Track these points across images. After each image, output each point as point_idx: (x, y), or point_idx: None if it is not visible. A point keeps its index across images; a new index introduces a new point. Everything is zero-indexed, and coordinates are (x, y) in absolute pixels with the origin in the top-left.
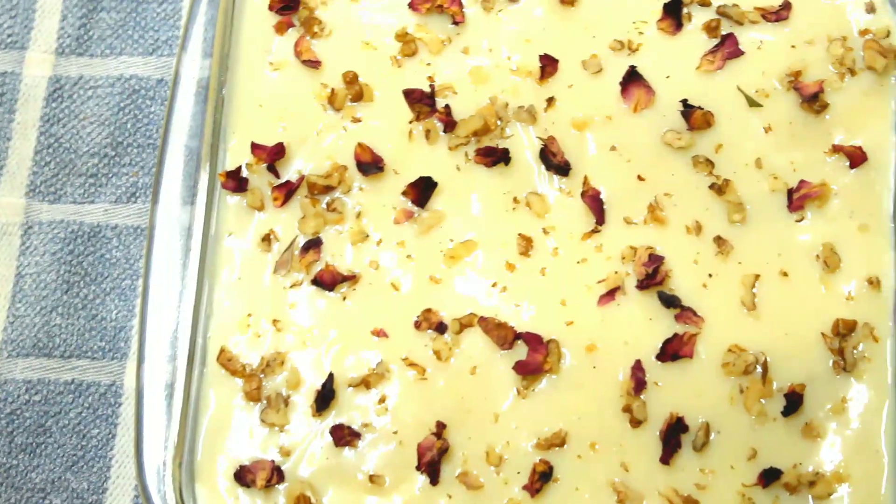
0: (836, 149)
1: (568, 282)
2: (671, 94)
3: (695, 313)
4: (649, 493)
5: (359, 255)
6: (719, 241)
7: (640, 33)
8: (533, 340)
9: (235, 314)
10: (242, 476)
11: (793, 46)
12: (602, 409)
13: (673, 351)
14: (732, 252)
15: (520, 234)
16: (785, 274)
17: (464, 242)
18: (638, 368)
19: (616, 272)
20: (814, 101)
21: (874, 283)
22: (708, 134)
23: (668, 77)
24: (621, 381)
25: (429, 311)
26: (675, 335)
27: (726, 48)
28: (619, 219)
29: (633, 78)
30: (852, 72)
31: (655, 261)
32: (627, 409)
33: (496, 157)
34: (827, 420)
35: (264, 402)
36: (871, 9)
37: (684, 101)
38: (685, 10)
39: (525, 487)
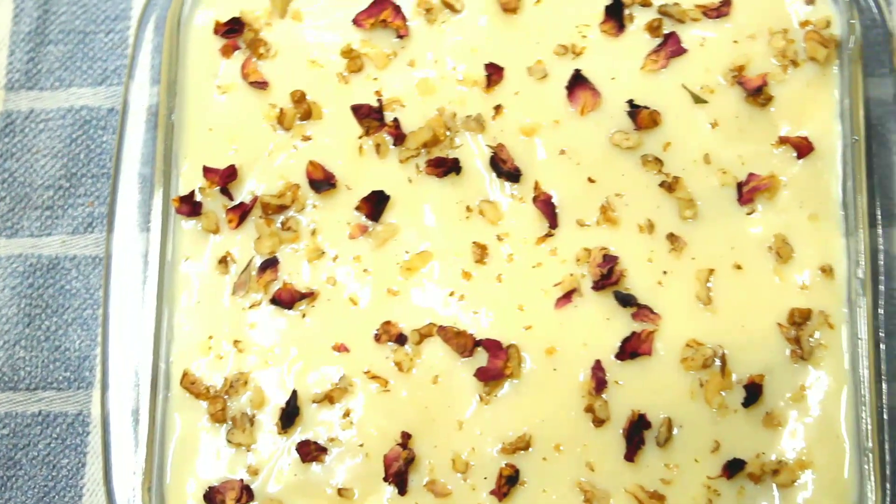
0: (783, 140)
1: (524, 287)
2: (617, 95)
3: (651, 311)
4: (615, 490)
5: (316, 272)
6: (672, 238)
7: (584, 37)
8: (492, 347)
9: (196, 337)
10: (212, 497)
11: (735, 42)
12: (565, 411)
13: (631, 349)
14: (686, 248)
15: (474, 243)
16: (739, 267)
17: (419, 254)
18: (598, 368)
19: (571, 274)
20: (758, 94)
21: (827, 271)
22: (655, 133)
23: (613, 78)
24: (582, 382)
25: (388, 323)
26: (633, 333)
27: (669, 47)
28: (572, 221)
29: (578, 81)
30: (795, 63)
31: (610, 261)
32: (590, 409)
33: (447, 167)
34: (787, 408)
35: (230, 422)
36: (809, 0)
37: (630, 102)
38: (627, 12)
39: (492, 492)
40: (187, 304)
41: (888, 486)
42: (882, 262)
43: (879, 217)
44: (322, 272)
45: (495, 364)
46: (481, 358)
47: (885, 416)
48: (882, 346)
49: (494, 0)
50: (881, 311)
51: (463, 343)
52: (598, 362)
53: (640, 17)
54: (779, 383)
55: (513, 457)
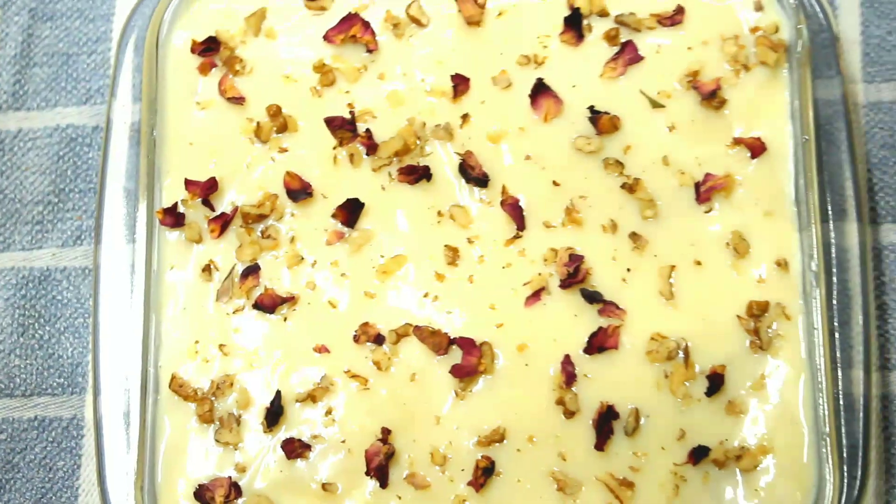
0: (738, 141)
1: (495, 287)
2: (578, 101)
3: (617, 306)
4: (587, 479)
5: (296, 277)
6: (634, 236)
7: (545, 47)
8: (466, 345)
9: (183, 342)
10: (202, 495)
11: (689, 48)
12: (537, 404)
13: (599, 344)
14: (648, 246)
15: (446, 246)
16: (699, 263)
17: (394, 257)
18: (567, 363)
19: (540, 274)
20: (713, 98)
21: (782, 264)
22: (616, 137)
23: (574, 86)
24: (553, 376)
25: (366, 324)
26: (600, 329)
27: (627, 55)
28: (539, 223)
29: (541, 90)
30: (746, 68)
31: (576, 260)
32: (560, 401)
33: (418, 174)
34: (748, 397)
35: (217, 423)
36: (758, 7)
37: (591, 108)
38: (585, 22)
39: (470, 483)
40: (174, 311)
41: (845, 468)
42: (834, 255)
43: (831, 212)
44: (302, 277)
45: (469, 361)
46: (456, 355)
47: (841, 402)
48: (836, 335)
49: (458, 14)
50: (835, 301)
51: (438, 342)
52: (567, 357)
53: (598, 27)
54: (740, 373)
55: (488, 449)
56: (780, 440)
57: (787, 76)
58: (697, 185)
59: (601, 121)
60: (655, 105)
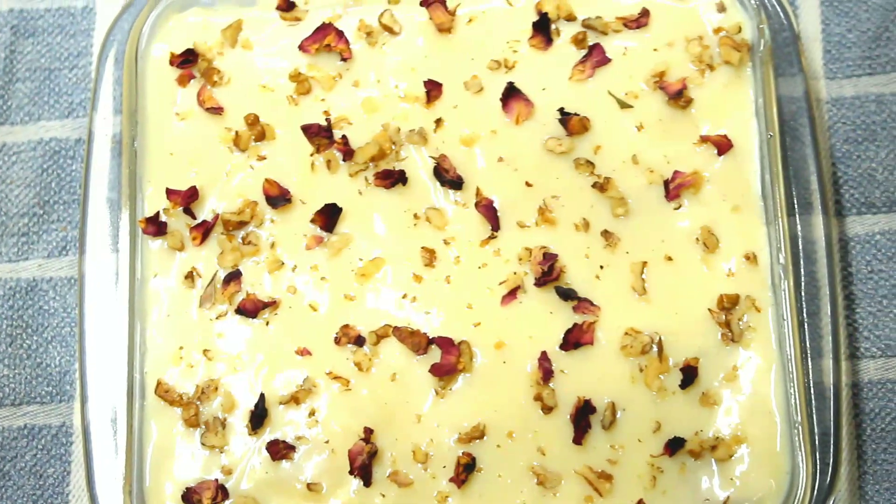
0: (704, 139)
1: (472, 286)
2: (548, 104)
3: (591, 303)
4: (566, 473)
5: (277, 282)
6: (606, 234)
7: (515, 52)
8: (445, 344)
9: (168, 348)
10: (189, 497)
11: (655, 49)
12: (515, 400)
13: (574, 340)
14: (619, 243)
15: (423, 248)
16: (669, 258)
17: (372, 260)
18: (544, 359)
19: (515, 273)
20: (679, 97)
21: (751, 258)
22: (586, 137)
23: (544, 89)
24: (530, 373)
25: (346, 326)
26: (575, 325)
27: (594, 57)
28: (513, 223)
29: (512, 93)
30: (711, 67)
31: (550, 259)
32: (538, 397)
33: (394, 178)
34: (721, 388)
35: (203, 426)
36: (721, 8)
37: (561, 110)
38: (553, 27)
39: (451, 480)
40: (158, 318)
41: (818, 455)
42: (801, 248)
43: (797, 206)
44: (282, 282)
45: (448, 360)
46: (435, 355)
47: (812, 391)
48: (806, 326)
49: (430, 21)
50: (803, 293)
51: (417, 342)
52: (544, 353)
53: (565, 31)
54: (712, 365)
55: (469, 446)
56: (753, 430)
57: (751, 75)
58: (666, 183)
59: (571, 122)
60: (623, 105)
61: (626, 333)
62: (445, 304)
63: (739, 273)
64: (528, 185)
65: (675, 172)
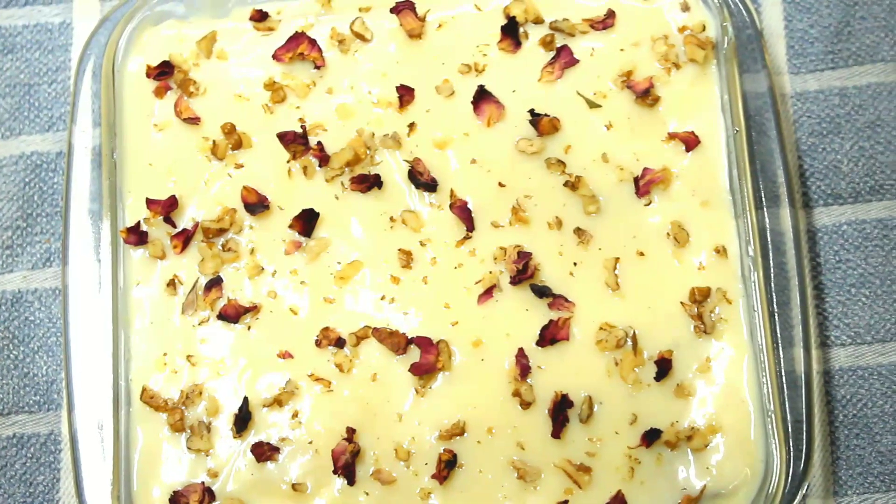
0: (672, 136)
1: (448, 286)
2: (519, 106)
3: (566, 299)
4: (546, 466)
5: (257, 287)
6: (579, 231)
7: (484, 55)
8: (424, 343)
9: (152, 355)
10: (177, 501)
11: (621, 50)
12: (494, 397)
13: (550, 336)
14: (592, 240)
15: (400, 249)
16: (641, 254)
17: (350, 263)
18: (521, 356)
19: (490, 272)
20: (646, 96)
21: (721, 251)
22: (556, 137)
23: (514, 91)
24: (508, 369)
25: (327, 329)
26: (551, 321)
27: (562, 59)
28: (487, 224)
29: (482, 96)
30: (677, 66)
31: (524, 257)
32: (516, 393)
33: (369, 183)
34: (695, 379)
35: (188, 431)
36: (685, 7)
37: (531, 111)
38: (521, 30)
39: (433, 476)
40: (141, 326)
41: (791, 443)
42: (770, 240)
43: (764, 199)
44: (263, 287)
45: (427, 359)
46: (414, 354)
47: (784, 380)
48: (776, 316)
49: (400, 28)
50: (773, 284)
51: (396, 342)
52: (520, 350)
53: (534, 34)
54: (686, 357)
55: (450, 442)
56: (727, 419)
57: (716, 72)
58: (636, 180)
59: (541, 123)
60: (592, 105)
61: (601, 328)
62: (423, 304)
63: (710, 266)
64: (500, 185)
65: (645, 169)
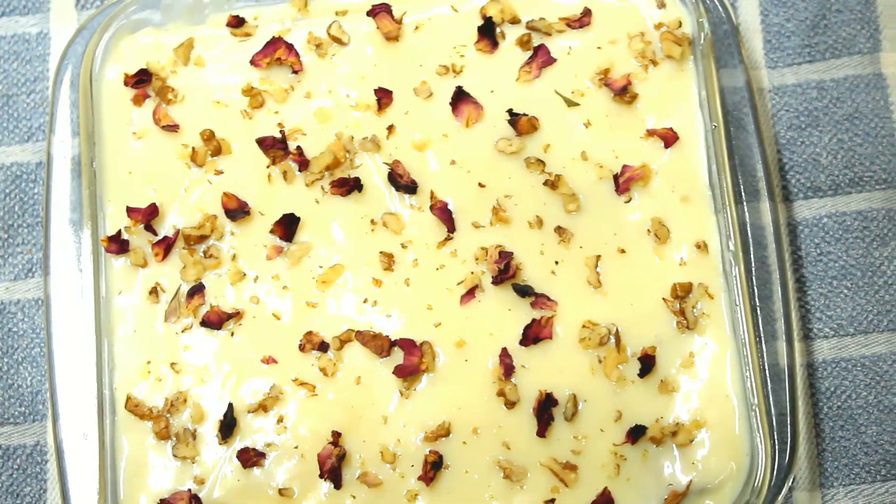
0: (651, 133)
1: (431, 288)
2: (497, 106)
3: (548, 298)
4: (532, 465)
5: (239, 293)
6: (560, 230)
7: (462, 56)
8: (407, 345)
9: (136, 364)
10: None
11: (598, 48)
12: (478, 397)
13: (534, 335)
14: (573, 238)
15: (381, 252)
16: (622, 251)
17: (332, 267)
18: (505, 355)
19: (472, 273)
20: (624, 93)
21: (702, 246)
22: (535, 137)
23: (492, 91)
24: (492, 369)
25: (310, 333)
26: (534, 320)
27: (539, 58)
28: (468, 224)
29: (461, 97)
30: (654, 62)
31: (505, 257)
32: (501, 393)
33: (349, 186)
34: (679, 375)
35: (174, 438)
36: (661, 4)
37: (510, 111)
38: (498, 30)
39: (420, 478)
40: (124, 334)
41: (776, 436)
42: (750, 234)
43: (744, 193)
44: (245, 293)
45: (411, 361)
46: (398, 357)
47: (768, 373)
48: (758, 310)
49: (377, 31)
50: (754, 278)
51: (380, 345)
52: (504, 350)
53: (510, 34)
54: (669, 353)
55: (435, 444)
56: (712, 414)
57: (693, 68)
58: (616, 177)
59: (520, 122)
60: (570, 104)
61: (584, 326)
62: (406, 306)
63: (691, 262)
64: (481, 185)
65: (624, 167)
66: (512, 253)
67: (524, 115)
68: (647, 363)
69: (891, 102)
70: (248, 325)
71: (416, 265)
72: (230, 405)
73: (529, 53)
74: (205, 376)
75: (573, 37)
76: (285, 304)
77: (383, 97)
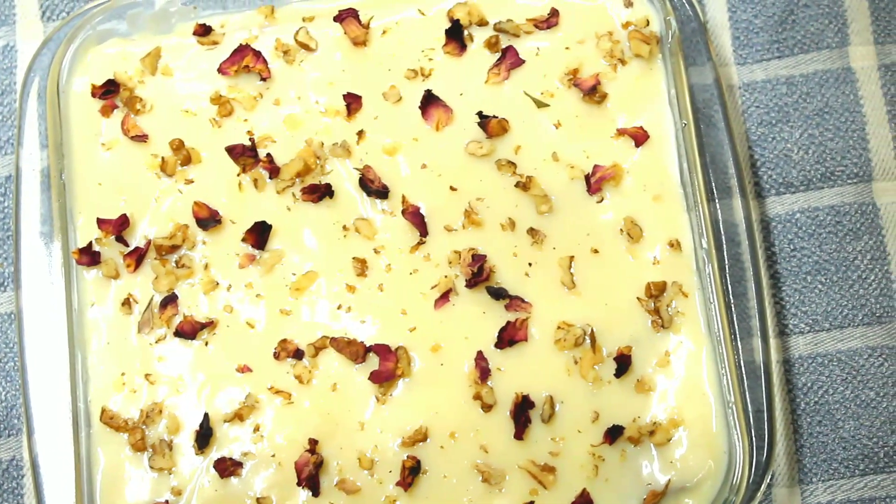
0: (621, 132)
1: (404, 292)
2: (467, 108)
3: (522, 300)
4: (510, 468)
5: (213, 302)
6: (532, 232)
7: (430, 59)
8: (382, 351)
9: (110, 376)
10: None
11: (567, 48)
12: (455, 401)
13: (508, 337)
14: (546, 240)
15: (354, 258)
16: (596, 251)
17: (305, 274)
18: (480, 359)
19: (446, 276)
20: (593, 93)
21: (675, 245)
22: (506, 139)
23: (461, 94)
24: (468, 373)
25: (285, 341)
26: (508, 323)
27: (508, 60)
28: (440, 228)
29: (430, 101)
30: (623, 61)
31: (479, 260)
32: (477, 396)
33: (320, 192)
34: (655, 374)
35: (150, 450)
36: (628, 3)
37: (480, 114)
38: (466, 32)
39: (398, 484)
40: (98, 346)
41: (753, 433)
42: (723, 231)
43: (715, 190)
44: (218, 302)
45: (386, 366)
46: (374, 362)
47: (744, 371)
48: (733, 307)
49: (345, 36)
50: (728, 275)
51: (355, 351)
52: (479, 353)
53: (478, 36)
54: (645, 352)
55: (413, 449)
56: (689, 412)
57: (662, 66)
58: (587, 178)
59: (490, 125)
60: (540, 105)
61: (559, 327)
62: (380, 311)
63: (664, 260)
64: (452, 189)
65: (595, 166)
66: (485, 256)
67: (494, 117)
68: (623, 363)
69: (860, 97)
70: (222, 335)
71: (388, 270)
72: (206, 415)
73: (498, 55)
74: (180, 387)
75: (541, 38)
76: (259, 312)
77: (352, 102)
